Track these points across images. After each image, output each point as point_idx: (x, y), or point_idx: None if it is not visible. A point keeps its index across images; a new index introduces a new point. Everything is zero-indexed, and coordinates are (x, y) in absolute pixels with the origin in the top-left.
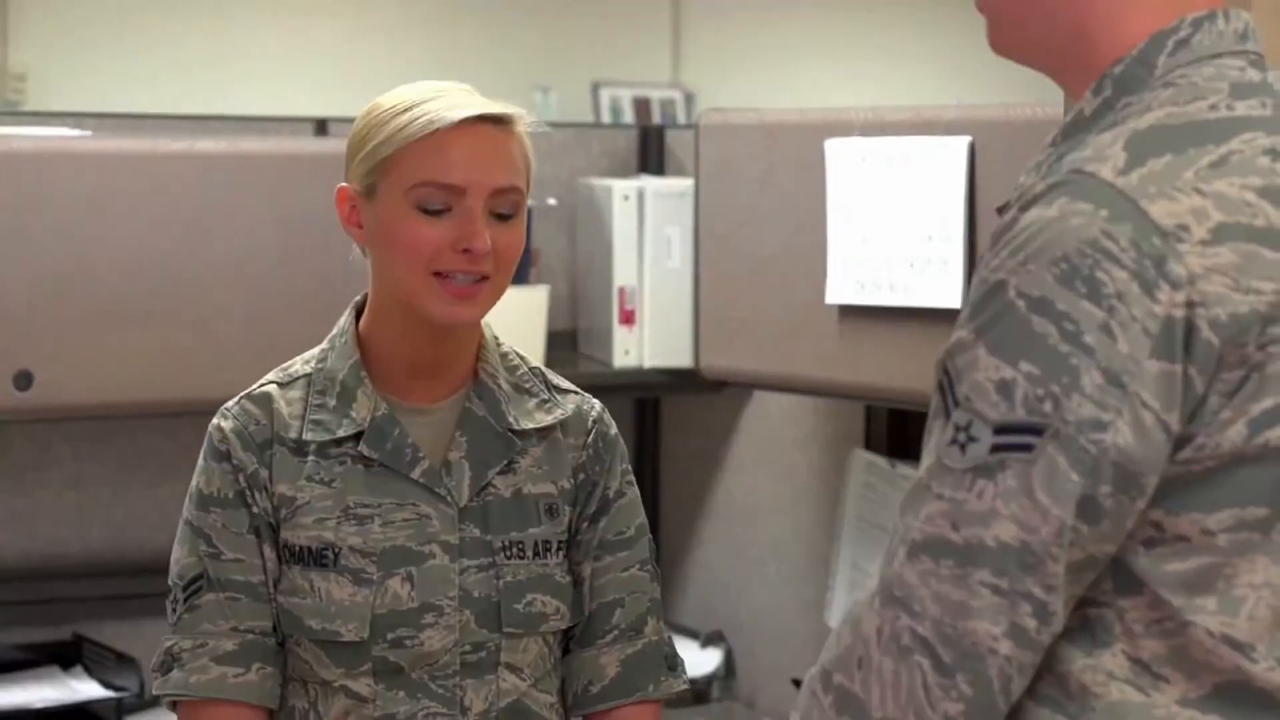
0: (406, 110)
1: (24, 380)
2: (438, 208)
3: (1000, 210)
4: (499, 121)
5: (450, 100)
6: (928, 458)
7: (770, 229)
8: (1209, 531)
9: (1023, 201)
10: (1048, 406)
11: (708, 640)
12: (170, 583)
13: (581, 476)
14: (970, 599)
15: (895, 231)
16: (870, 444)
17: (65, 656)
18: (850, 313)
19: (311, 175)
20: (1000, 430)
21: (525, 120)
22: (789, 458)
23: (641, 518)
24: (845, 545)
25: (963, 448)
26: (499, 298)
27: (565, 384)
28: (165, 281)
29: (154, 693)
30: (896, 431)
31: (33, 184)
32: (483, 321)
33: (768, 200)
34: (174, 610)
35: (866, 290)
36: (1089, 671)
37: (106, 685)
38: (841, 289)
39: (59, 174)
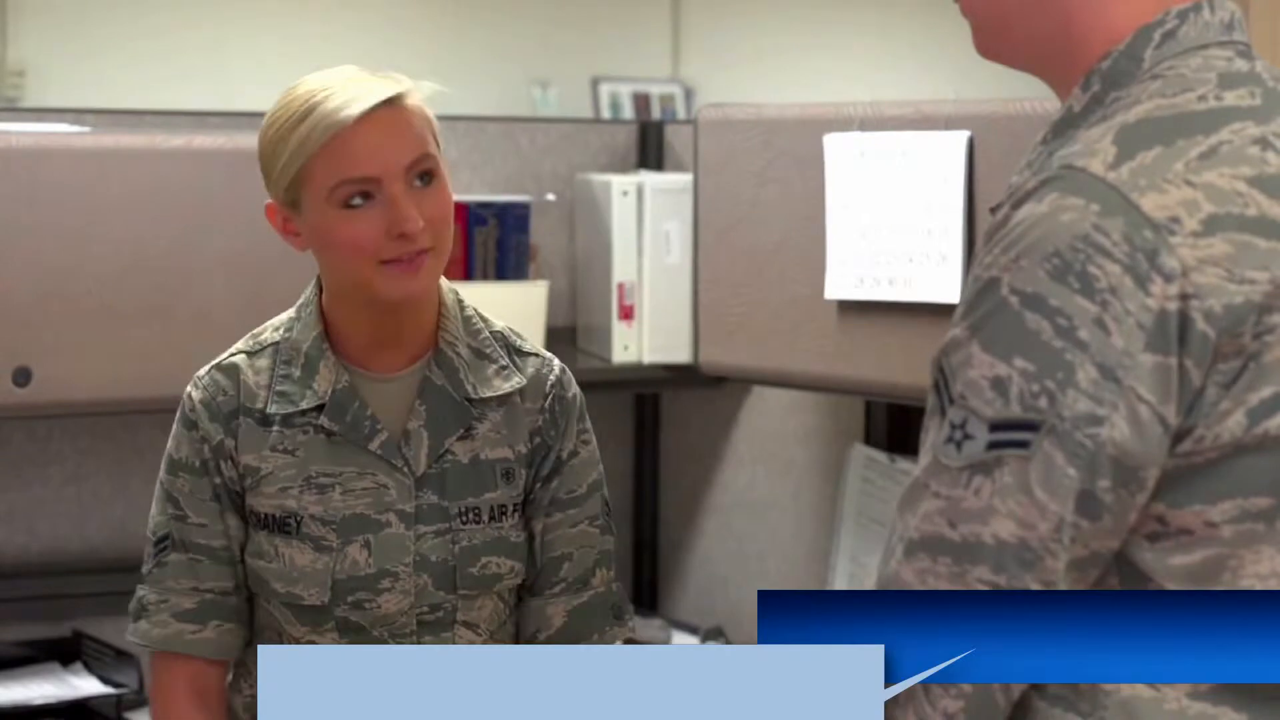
0: (302, 121)
1: (22, 377)
2: (360, 201)
3: (994, 210)
4: (391, 103)
5: (340, 97)
6: (924, 456)
7: (769, 224)
8: (1212, 524)
9: (1014, 198)
10: (1043, 402)
11: (707, 635)
12: (147, 535)
13: (537, 440)
14: None
15: (894, 226)
16: (870, 439)
17: (65, 653)
18: (849, 308)
19: None
20: (996, 427)
21: (415, 94)
22: (788, 453)
23: (595, 475)
24: (844, 540)
25: (959, 445)
26: (444, 263)
27: (528, 346)
28: (164, 277)
29: (127, 636)
30: (896, 426)
31: (32, 180)
32: (444, 285)
33: (767, 195)
34: (147, 562)
35: (865, 285)
36: None
37: (106, 681)
38: (840, 284)
39: (58, 170)
